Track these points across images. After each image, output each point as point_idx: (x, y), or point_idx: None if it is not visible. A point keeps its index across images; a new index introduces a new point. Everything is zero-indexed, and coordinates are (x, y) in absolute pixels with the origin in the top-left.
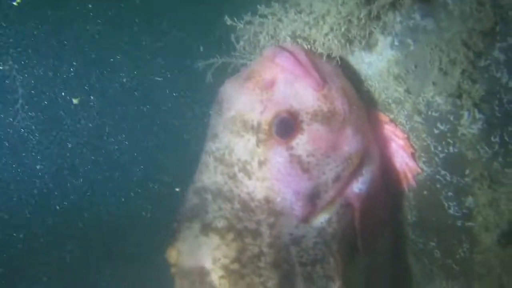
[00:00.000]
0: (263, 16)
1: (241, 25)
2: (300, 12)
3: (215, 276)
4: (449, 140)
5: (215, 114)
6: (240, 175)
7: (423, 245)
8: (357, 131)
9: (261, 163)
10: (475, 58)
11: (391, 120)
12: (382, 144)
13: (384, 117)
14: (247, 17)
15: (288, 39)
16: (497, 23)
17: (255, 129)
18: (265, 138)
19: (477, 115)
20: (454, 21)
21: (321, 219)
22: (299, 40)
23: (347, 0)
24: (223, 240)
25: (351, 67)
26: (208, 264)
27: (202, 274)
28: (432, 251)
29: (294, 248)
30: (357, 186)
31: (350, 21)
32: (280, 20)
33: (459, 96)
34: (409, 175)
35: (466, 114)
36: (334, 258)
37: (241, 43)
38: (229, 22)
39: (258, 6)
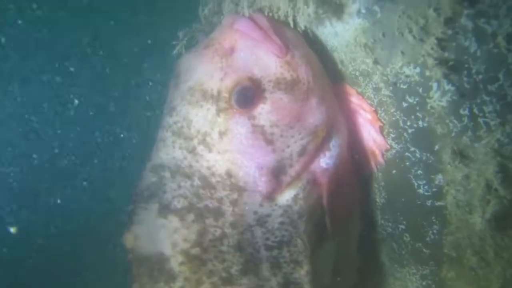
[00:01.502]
0: None
1: None
2: None
3: (175, 262)
4: (418, 114)
5: (172, 89)
6: (200, 148)
7: (392, 228)
8: (322, 101)
9: (221, 134)
10: (444, 25)
11: (359, 93)
12: (349, 118)
13: (351, 90)
14: None
15: (250, 6)
16: None
17: (215, 97)
18: (226, 107)
19: (446, 87)
20: None
21: (286, 196)
22: (262, 8)
23: None
24: (183, 222)
25: (317, 37)
26: (167, 249)
27: (161, 260)
28: (402, 235)
29: (259, 229)
30: (324, 161)
31: None
32: None
33: (428, 66)
34: (377, 152)
35: (435, 85)
36: (301, 240)
37: (205, 11)
38: None
39: None
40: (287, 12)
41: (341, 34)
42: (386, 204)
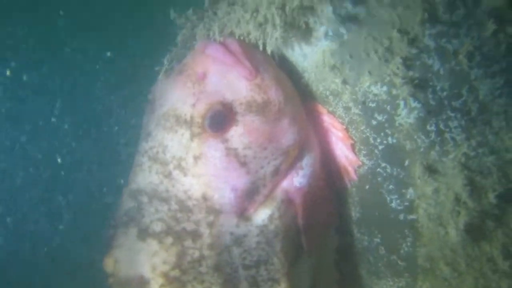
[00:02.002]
0: (203, 10)
1: (183, 19)
2: (233, 4)
3: (155, 285)
4: (387, 130)
5: (148, 114)
6: (176, 173)
7: (368, 242)
8: (294, 121)
9: (196, 158)
10: (408, 45)
11: (330, 112)
12: (321, 137)
13: (322, 109)
14: (190, 12)
15: (222, 31)
16: (425, 10)
17: (188, 123)
18: (199, 132)
19: (412, 104)
20: (384, 8)
21: (262, 216)
22: (233, 33)
23: None
24: (162, 245)
25: (287, 59)
26: (147, 272)
27: (141, 283)
28: (377, 248)
29: (236, 249)
30: (297, 180)
31: (284, 11)
32: (215, 13)
33: (394, 85)
34: (350, 169)
35: (402, 103)
36: (278, 258)
37: (180, 37)
38: (172, 15)
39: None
40: (257, 36)
41: (310, 56)
42: (361, 218)
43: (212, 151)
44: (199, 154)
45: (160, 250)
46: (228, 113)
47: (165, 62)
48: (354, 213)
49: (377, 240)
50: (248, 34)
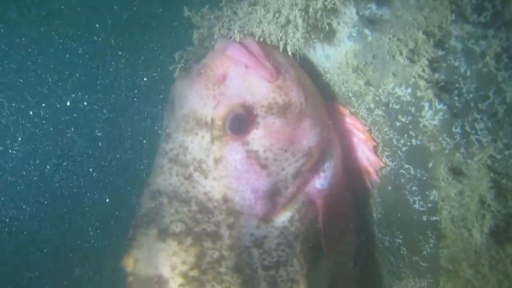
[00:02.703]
0: (221, 8)
1: (198, 18)
2: (254, 4)
3: (174, 284)
4: (411, 132)
5: (168, 114)
6: (196, 175)
7: (389, 242)
8: (316, 123)
9: (217, 161)
10: (434, 47)
11: (352, 114)
12: (343, 138)
13: (344, 110)
14: (205, 10)
15: (242, 31)
16: (453, 11)
17: (209, 125)
18: (220, 135)
19: (438, 106)
20: (410, 10)
21: (282, 218)
22: (254, 33)
23: None
24: (181, 246)
25: (309, 60)
26: (166, 271)
27: (160, 282)
28: (399, 249)
29: (256, 250)
30: (319, 182)
31: (307, 12)
32: (235, 12)
33: (419, 87)
34: (371, 170)
35: (426, 105)
36: (298, 259)
37: (195, 35)
38: (186, 13)
39: None
40: (279, 37)
41: (333, 57)
42: (383, 219)
43: (233, 153)
44: (220, 156)
45: (179, 251)
46: (249, 115)
47: (178, 59)
48: (375, 213)
49: (399, 240)
50: (270, 34)
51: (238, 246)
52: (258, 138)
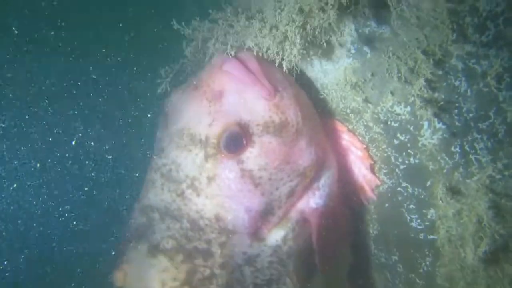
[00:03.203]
0: (214, 21)
1: (189, 31)
2: (251, 18)
3: None
4: (409, 151)
5: (161, 127)
6: (189, 192)
7: (386, 259)
8: (311, 142)
9: (210, 179)
10: (434, 66)
11: (350, 130)
12: (340, 155)
13: (342, 127)
14: (195, 22)
15: (238, 45)
16: (454, 31)
17: (203, 143)
18: (214, 153)
19: (437, 125)
20: (410, 28)
21: (276, 237)
22: (251, 46)
23: (301, 8)
24: (172, 262)
25: (306, 75)
26: (156, 287)
27: None
28: (395, 265)
29: (248, 269)
30: (314, 201)
31: (304, 29)
32: (231, 25)
33: (419, 106)
34: (367, 188)
35: (425, 124)
36: (290, 278)
37: (189, 49)
38: (176, 26)
39: (210, 11)
40: (275, 51)
41: (331, 73)
42: (379, 235)
43: (227, 172)
44: (213, 175)
45: (170, 267)
46: (244, 134)
47: (163, 74)
48: (372, 229)
49: (395, 257)
50: (267, 49)
51: (230, 264)
52: (253, 157)
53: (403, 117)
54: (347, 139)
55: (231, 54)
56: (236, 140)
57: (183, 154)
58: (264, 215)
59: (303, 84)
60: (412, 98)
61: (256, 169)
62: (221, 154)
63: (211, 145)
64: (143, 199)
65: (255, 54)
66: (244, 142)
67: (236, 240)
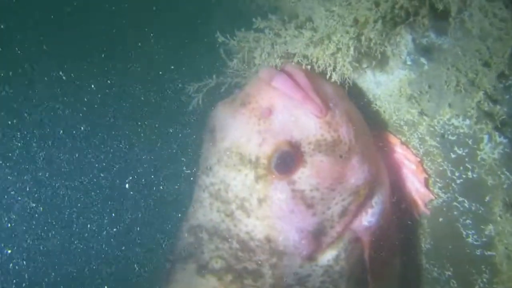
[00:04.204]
0: (259, 30)
1: (234, 42)
2: (300, 27)
3: None
4: (467, 165)
5: (207, 143)
6: (238, 213)
7: (438, 274)
8: (364, 159)
9: (260, 201)
10: (496, 78)
11: (403, 143)
12: (393, 169)
13: (395, 139)
14: (240, 33)
15: (286, 57)
16: None
17: (253, 163)
18: (264, 174)
19: (498, 139)
20: (472, 40)
21: (328, 257)
22: (299, 58)
23: (356, 19)
24: (221, 282)
25: (358, 86)
26: None
27: None
28: (448, 281)
29: None
30: (366, 219)
31: (359, 41)
32: (278, 35)
33: (479, 119)
34: (420, 203)
35: (486, 137)
36: None
37: (235, 61)
38: (220, 39)
39: (254, 20)
40: (327, 63)
41: (384, 84)
42: (432, 249)
43: (278, 193)
44: (264, 196)
45: (219, 286)
46: (296, 153)
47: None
48: (424, 243)
49: (449, 273)
50: (317, 59)
51: (280, 285)
52: (305, 177)
53: (461, 130)
54: (400, 152)
55: (278, 67)
56: (287, 160)
57: (232, 174)
58: (316, 236)
59: (354, 94)
60: (472, 111)
61: (308, 189)
62: (271, 175)
63: (261, 166)
64: (191, 218)
65: (303, 66)
66: (296, 161)
67: (288, 261)
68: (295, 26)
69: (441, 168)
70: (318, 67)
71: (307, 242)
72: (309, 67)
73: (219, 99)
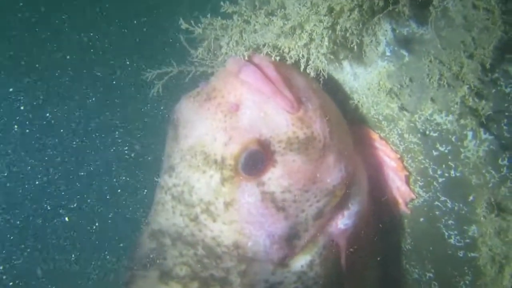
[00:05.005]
0: (227, 16)
1: (199, 30)
2: (271, 14)
3: None
4: (450, 163)
5: (170, 140)
6: (203, 217)
7: (419, 275)
8: (340, 157)
9: (227, 204)
10: (481, 71)
11: (382, 138)
12: (371, 165)
13: (373, 134)
14: (206, 20)
15: (256, 46)
16: (507, 32)
17: (219, 164)
18: (231, 175)
19: (483, 136)
20: (456, 30)
21: (301, 262)
22: (269, 49)
23: (331, 7)
24: None
25: (333, 78)
26: None
27: None
28: (430, 282)
29: None
30: (342, 222)
31: (334, 30)
32: (247, 22)
33: (462, 115)
34: (401, 201)
35: (470, 134)
36: None
37: (199, 50)
38: (184, 26)
39: (222, 3)
40: (300, 54)
41: (361, 76)
42: (412, 250)
43: (246, 196)
44: (231, 200)
45: None
46: (265, 152)
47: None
48: (404, 244)
49: (430, 274)
50: (289, 50)
51: None
52: (275, 178)
53: (444, 127)
54: (379, 148)
55: (246, 57)
56: (256, 160)
57: (196, 175)
58: (289, 240)
59: (330, 87)
60: (456, 106)
61: (278, 191)
62: (239, 176)
63: (227, 167)
64: (153, 222)
65: (274, 56)
66: (265, 161)
67: (258, 268)
68: (265, 13)
69: (422, 166)
70: (290, 58)
71: (278, 247)
72: (279, 58)
73: (183, 91)
